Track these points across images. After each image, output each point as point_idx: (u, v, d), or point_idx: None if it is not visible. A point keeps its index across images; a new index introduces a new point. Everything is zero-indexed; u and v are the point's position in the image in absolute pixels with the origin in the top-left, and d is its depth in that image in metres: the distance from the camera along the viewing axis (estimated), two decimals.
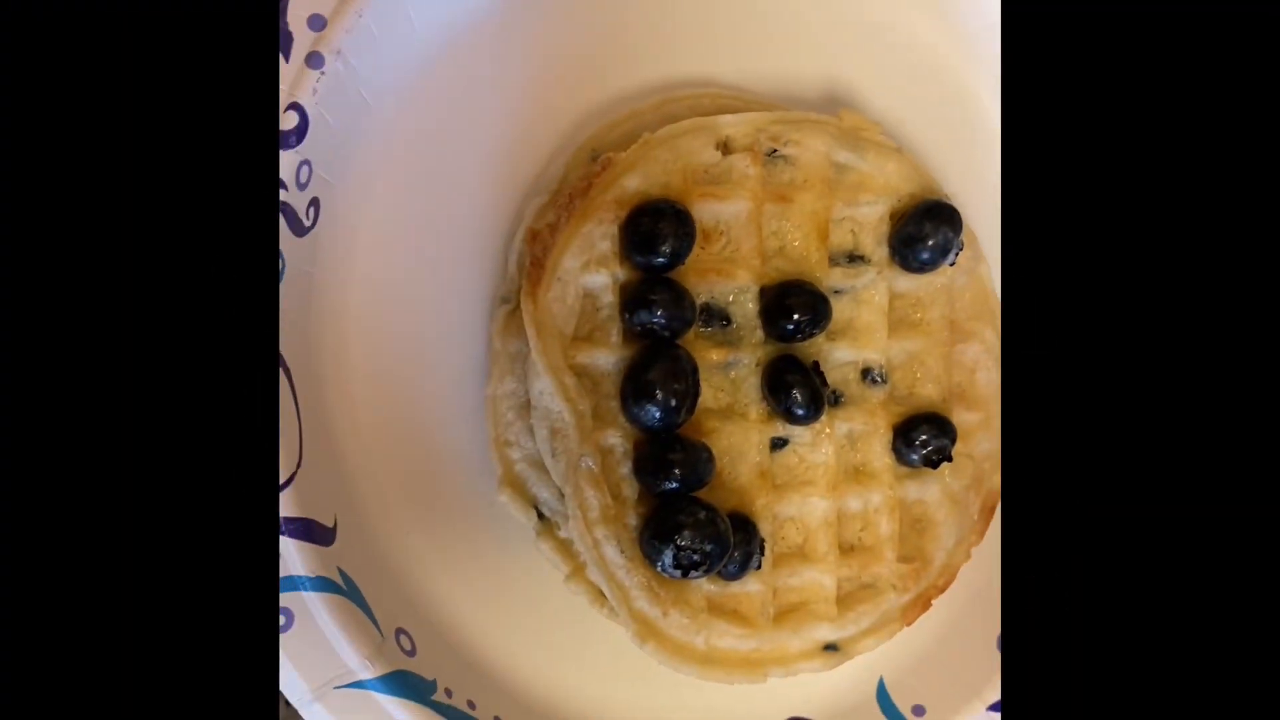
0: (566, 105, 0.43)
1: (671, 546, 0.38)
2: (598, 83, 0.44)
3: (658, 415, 0.39)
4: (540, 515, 0.42)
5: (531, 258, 0.39)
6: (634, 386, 0.39)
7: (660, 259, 0.39)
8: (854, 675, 0.48)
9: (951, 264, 0.44)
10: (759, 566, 0.42)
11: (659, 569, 0.39)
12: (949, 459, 0.44)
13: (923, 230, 0.43)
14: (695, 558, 0.38)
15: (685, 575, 0.39)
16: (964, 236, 0.44)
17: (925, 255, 0.43)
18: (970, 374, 0.46)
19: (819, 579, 0.44)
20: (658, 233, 0.39)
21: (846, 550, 0.44)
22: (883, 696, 0.49)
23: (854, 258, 0.44)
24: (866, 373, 0.44)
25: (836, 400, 0.44)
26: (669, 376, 0.39)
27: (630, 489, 0.40)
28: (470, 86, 0.42)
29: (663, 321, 0.39)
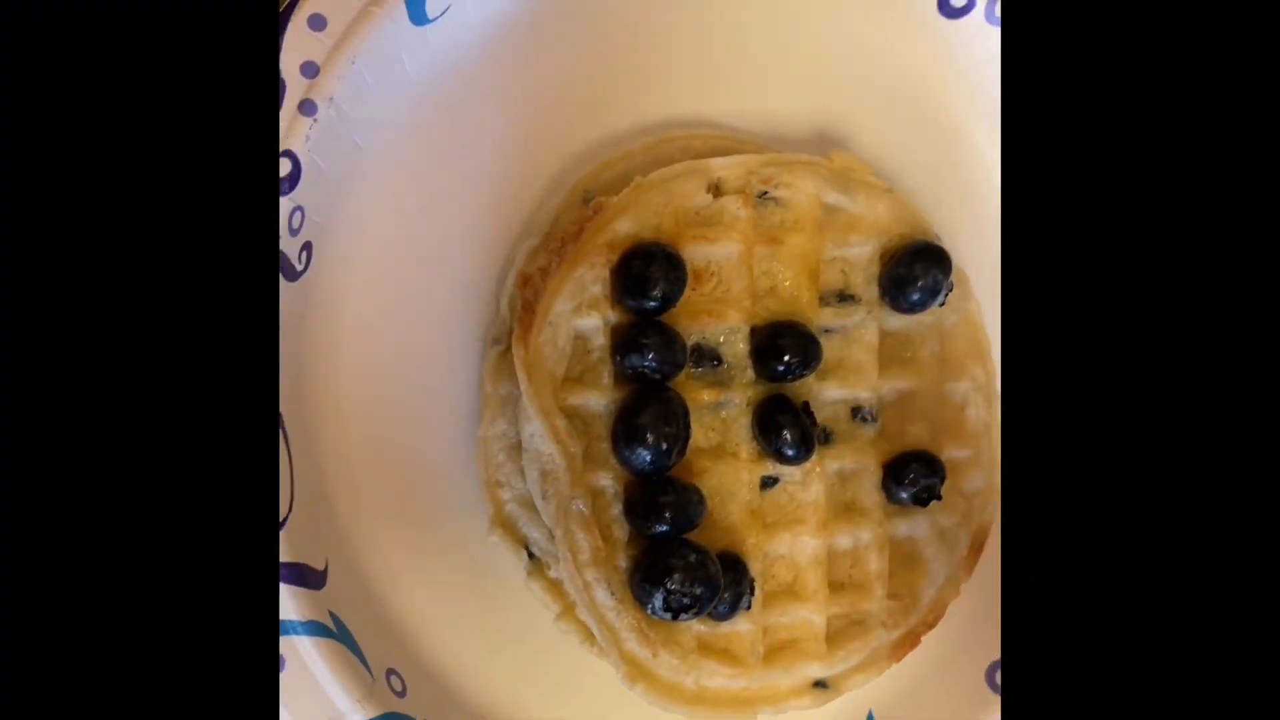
0: (558, 147, 0.44)
1: (662, 589, 0.38)
2: (589, 124, 0.44)
3: (648, 458, 0.39)
4: (531, 555, 0.42)
5: (523, 301, 0.39)
6: (625, 430, 0.39)
7: (651, 303, 0.40)
8: (843, 709, 0.48)
9: (941, 304, 0.44)
10: (749, 606, 0.42)
11: (649, 611, 0.39)
12: (938, 497, 0.44)
13: (913, 271, 0.43)
14: (685, 600, 0.39)
15: (676, 618, 0.39)
16: (954, 276, 0.45)
17: (915, 296, 0.43)
18: (960, 411, 0.47)
19: (809, 617, 0.44)
20: (649, 276, 0.39)
21: (836, 588, 0.45)
22: None
23: (844, 297, 0.44)
24: (856, 411, 0.45)
25: (827, 439, 0.44)
26: (660, 420, 0.39)
27: (621, 530, 0.40)
28: (462, 129, 0.43)
29: (654, 365, 0.40)
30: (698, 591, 0.39)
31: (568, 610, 0.42)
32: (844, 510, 0.44)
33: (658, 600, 0.39)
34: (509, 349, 0.41)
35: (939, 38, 0.48)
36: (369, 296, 0.42)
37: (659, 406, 0.39)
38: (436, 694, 0.42)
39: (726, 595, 0.41)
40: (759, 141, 0.45)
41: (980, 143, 0.50)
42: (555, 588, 0.42)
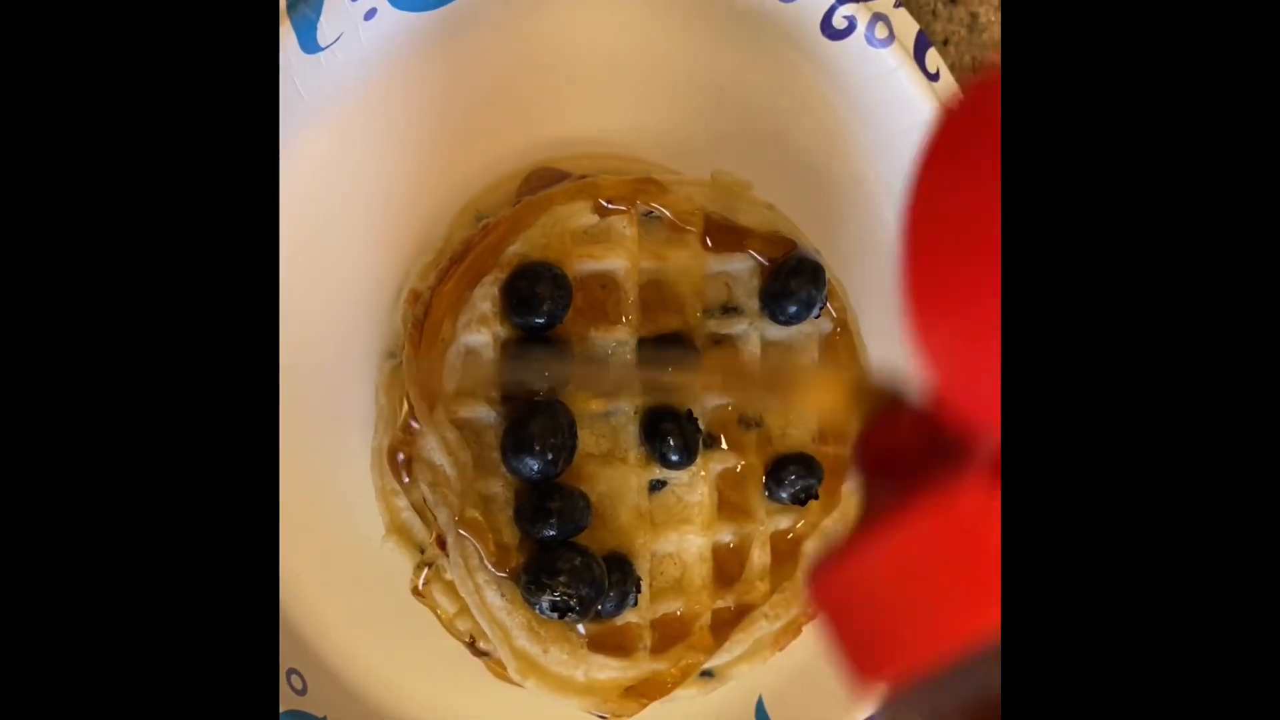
0: (451, 167, 0.45)
1: (548, 592, 0.41)
2: (481, 145, 0.46)
3: (536, 468, 0.41)
4: (427, 560, 0.44)
5: (413, 319, 0.41)
6: (513, 441, 0.41)
7: (538, 319, 0.42)
8: (733, 696, 0.51)
9: (817, 317, 0.47)
10: (635, 603, 0.44)
11: (537, 612, 0.42)
12: (815, 496, 0.47)
13: (789, 286, 0.45)
14: (571, 602, 0.41)
15: (562, 617, 0.41)
16: (831, 288, 0.47)
17: (792, 309, 0.46)
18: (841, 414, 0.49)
19: (695, 610, 0.47)
20: (535, 295, 0.41)
21: (722, 583, 0.47)
22: (761, 714, 0.52)
23: (728, 309, 0.47)
24: (742, 418, 0.47)
25: (712, 443, 0.46)
26: (546, 431, 0.41)
27: (511, 535, 0.42)
28: (356, 150, 0.44)
29: (540, 378, 0.42)
30: (583, 593, 0.41)
31: (463, 611, 0.44)
32: (729, 510, 0.47)
33: (545, 602, 0.41)
34: (401, 362, 0.43)
35: (821, 59, 0.51)
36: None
37: (546, 418, 0.41)
38: (337, 691, 0.44)
39: (612, 594, 0.43)
40: (646, 160, 0.47)
41: (860, 159, 0.53)
42: (451, 589, 0.44)
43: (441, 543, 0.42)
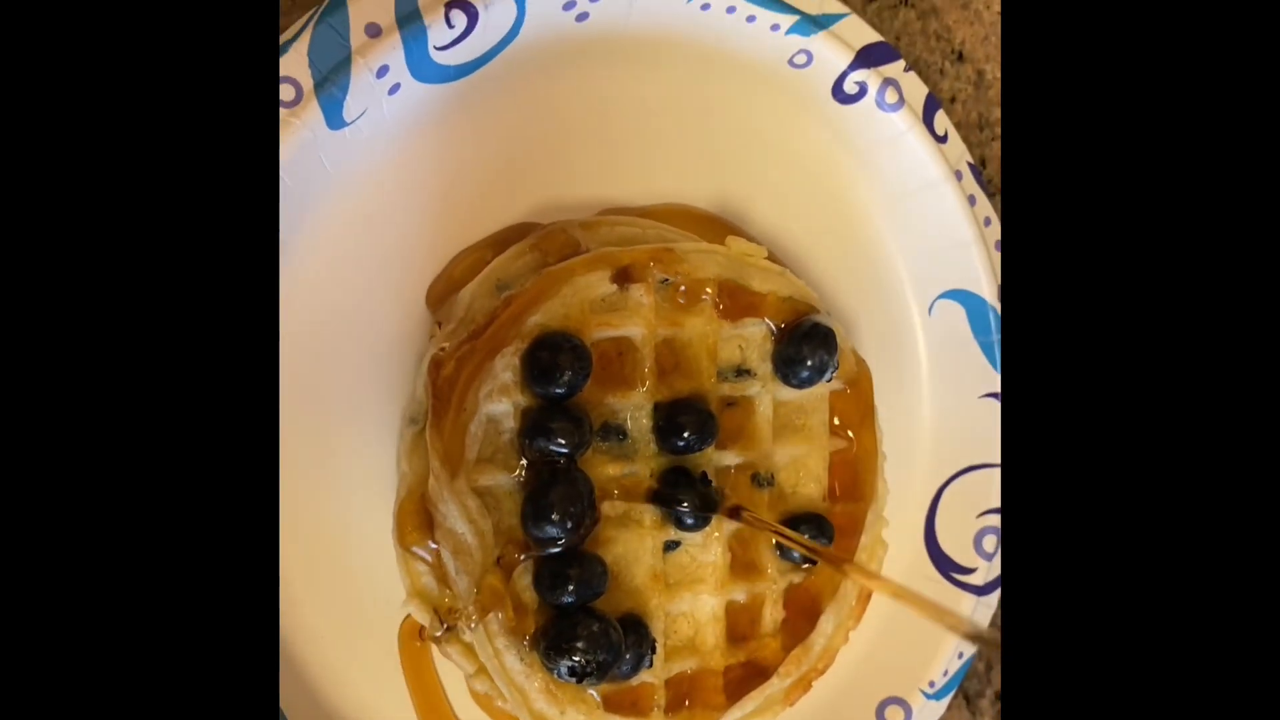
0: (472, 230, 0.46)
1: (567, 658, 0.41)
2: (501, 212, 0.47)
3: (556, 535, 0.42)
4: (445, 623, 0.45)
5: (434, 389, 0.42)
6: (533, 509, 0.42)
7: (558, 390, 0.42)
8: None
9: (828, 380, 0.48)
10: (650, 664, 0.45)
11: (556, 676, 0.42)
12: None
13: (801, 352, 0.46)
14: (589, 668, 0.42)
15: (580, 682, 0.42)
16: (843, 352, 0.48)
17: (804, 374, 0.47)
18: (853, 471, 0.50)
19: (708, 668, 0.47)
20: (556, 365, 0.42)
21: (734, 640, 0.48)
22: None
23: (741, 372, 0.47)
24: (755, 476, 0.48)
25: (734, 505, 0.47)
26: (565, 500, 0.42)
27: (530, 599, 0.43)
28: (380, 219, 0.45)
29: (561, 447, 0.42)
30: (600, 659, 0.42)
31: (480, 671, 0.45)
32: (742, 569, 0.48)
33: (563, 667, 0.42)
34: (424, 429, 0.43)
35: (832, 121, 0.52)
36: (289, 377, 0.44)
37: (565, 487, 0.42)
38: None
39: (628, 657, 0.44)
40: (662, 227, 0.48)
41: (871, 216, 0.54)
42: (469, 650, 0.45)
43: (454, 615, 0.42)
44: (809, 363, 0.46)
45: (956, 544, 0.56)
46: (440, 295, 0.45)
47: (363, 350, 0.45)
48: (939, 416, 0.56)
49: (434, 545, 0.43)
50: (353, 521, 0.45)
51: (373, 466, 0.46)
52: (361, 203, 0.44)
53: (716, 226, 0.50)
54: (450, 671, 0.47)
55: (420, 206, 0.45)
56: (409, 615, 0.46)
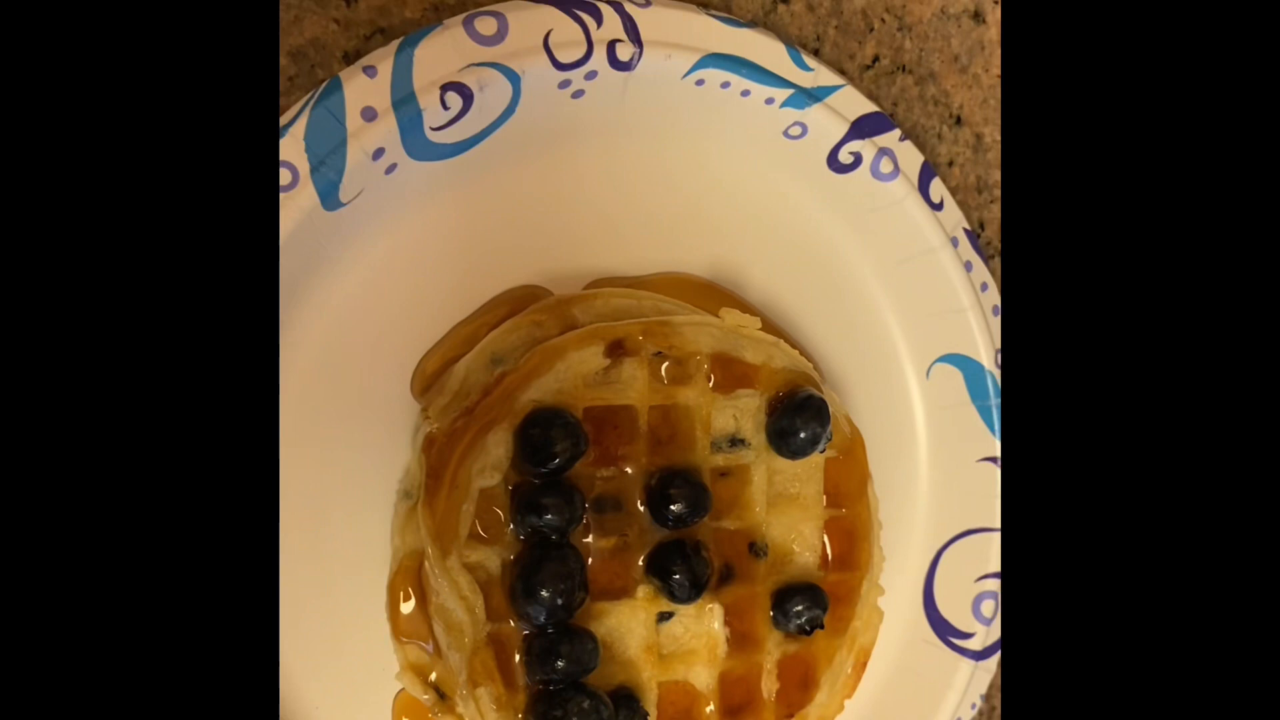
0: (466, 303, 0.47)
1: None
2: (498, 284, 0.47)
3: (545, 613, 0.42)
4: (440, 693, 0.45)
5: (428, 467, 0.42)
6: (523, 586, 0.42)
7: (550, 467, 0.43)
8: None
9: (821, 451, 0.48)
10: None
11: None
12: (821, 626, 0.48)
13: (794, 424, 0.46)
14: None
15: None
16: (836, 421, 0.48)
17: (797, 446, 0.47)
18: (848, 539, 0.50)
19: None
20: (548, 442, 0.42)
21: (730, 711, 0.48)
22: None
23: (735, 441, 0.48)
24: (751, 546, 0.48)
25: (729, 575, 0.47)
26: (556, 577, 0.42)
27: (521, 677, 0.43)
28: (375, 292, 0.45)
29: (552, 523, 0.43)
30: None
31: None
32: (737, 640, 0.48)
33: None
34: (417, 504, 0.44)
35: (827, 190, 0.52)
36: (290, 443, 0.44)
37: (555, 564, 0.42)
38: None
39: None
40: (657, 297, 0.49)
41: (867, 282, 0.54)
42: None
43: (442, 695, 0.43)
44: (802, 435, 0.47)
45: (955, 608, 0.56)
46: (433, 371, 0.46)
47: (358, 425, 0.46)
48: (936, 481, 0.56)
49: (425, 616, 0.43)
50: (346, 594, 0.46)
51: (367, 539, 0.46)
52: (356, 279, 0.45)
53: (712, 294, 0.51)
54: None
55: (416, 280, 0.46)
56: (403, 689, 0.46)
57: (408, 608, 0.44)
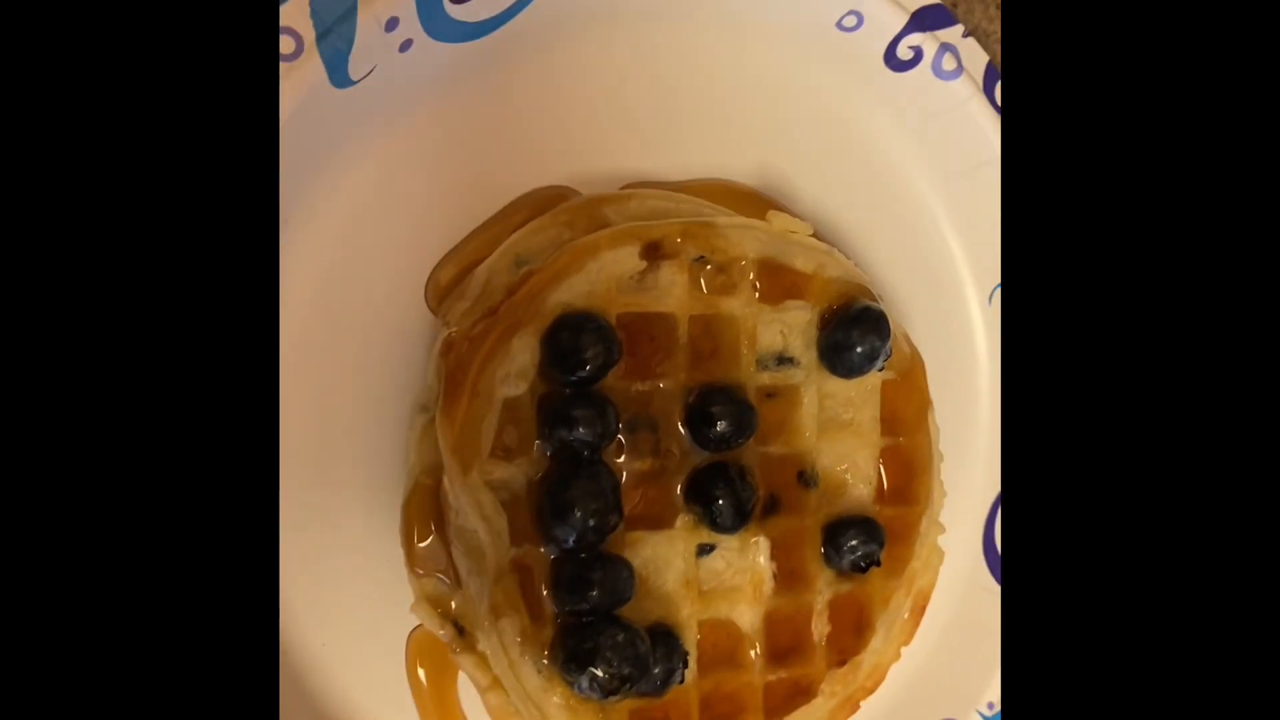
0: (490, 203, 0.43)
1: (588, 671, 0.38)
2: (523, 182, 0.43)
3: (575, 535, 0.38)
4: (459, 628, 0.41)
5: (446, 373, 0.38)
6: (551, 505, 0.38)
7: (581, 375, 0.39)
8: None
9: (880, 370, 0.43)
10: (682, 680, 0.41)
11: (576, 691, 0.38)
12: (878, 564, 0.44)
13: (850, 338, 0.42)
14: (613, 682, 0.38)
15: (604, 698, 0.38)
16: (895, 340, 0.44)
17: (853, 362, 0.43)
18: (906, 471, 0.46)
19: (747, 685, 0.43)
20: (578, 349, 0.38)
21: (776, 655, 0.44)
22: None
23: (783, 360, 0.43)
24: (800, 475, 0.44)
25: (775, 505, 0.43)
26: (587, 495, 0.38)
27: (549, 608, 0.39)
28: (390, 185, 0.42)
29: (583, 438, 0.39)
30: (625, 672, 0.38)
31: (496, 684, 0.41)
32: (785, 577, 0.44)
33: (584, 681, 0.38)
34: (435, 417, 0.40)
35: (884, 91, 0.47)
36: (295, 355, 0.41)
37: (587, 481, 0.38)
38: None
39: (657, 671, 0.40)
40: (697, 201, 0.44)
41: (926, 195, 0.50)
42: (483, 661, 0.41)
43: (461, 630, 0.39)
44: (859, 349, 0.42)
45: None
46: (449, 280, 0.42)
47: (371, 335, 0.42)
48: (1000, 415, 0.51)
49: (443, 543, 0.39)
50: (357, 520, 0.42)
51: (379, 462, 0.42)
52: (369, 172, 0.41)
53: (757, 203, 0.47)
54: (465, 688, 0.44)
55: (433, 177, 0.42)
56: (420, 625, 0.42)
57: (425, 535, 0.40)
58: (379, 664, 0.43)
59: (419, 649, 0.43)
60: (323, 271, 0.41)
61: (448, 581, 0.41)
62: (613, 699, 0.38)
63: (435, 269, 0.42)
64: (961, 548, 0.51)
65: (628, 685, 0.38)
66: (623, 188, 0.45)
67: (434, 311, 0.42)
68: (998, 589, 0.51)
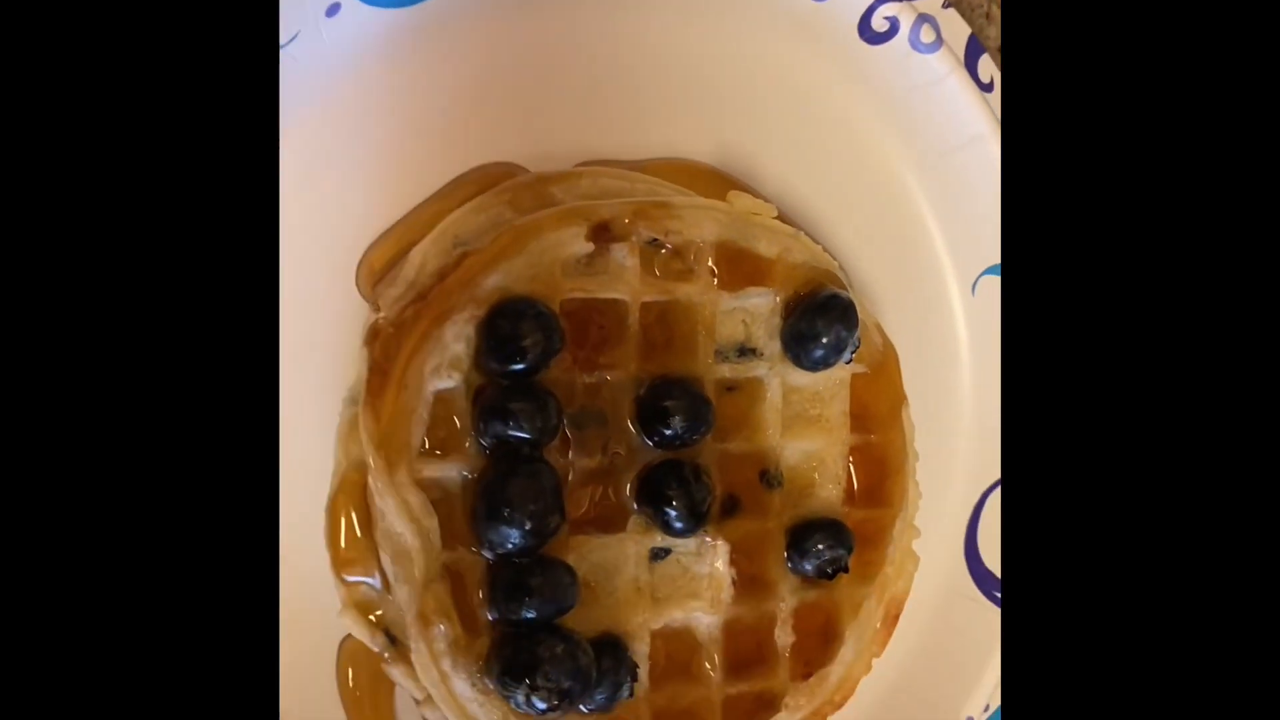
0: (424, 183, 0.40)
1: (524, 685, 0.35)
2: (465, 160, 0.40)
3: (513, 538, 0.35)
4: (391, 636, 0.38)
5: (372, 363, 0.36)
6: (486, 506, 0.35)
7: (519, 364, 0.36)
8: None
9: (847, 362, 0.41)
10: (630, 694, 0.38)
11: (514, 706, 0.36)
12: (845, 569, 0.41)
13: (814, 327, 0.39)
14: (552, 698, 0.35)
15: (542, 715, 0.35)
16: (865, 328, 0.41)
17: (818, 353, 0.40)
18: (878, 471, 0.43)
19: (704, 699, 0.40)
20: (517, 335, 0.36)
21: (735, 666, 0.41)
22: None
23: (745, 351, 0.41)
24: (763, 474, 0.41)
25: (734, 507, 0.40)
26: (526, 496, 0.35)
27: (484, 615, 0.36)
28: (316, 169, 0.39)
29: (522, 434, 0.36)
30: (565, 686, 0.35)
31: (430, 699, 0.38)
32: (745, 583, 0.41)
33: (520, 695, 0.35)
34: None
35: (857, 65, 0.45)
36: None
37: (525, 480, 0.35)
38: None
39: (602, 684, 0.37)
40: (654, 181, 0.42)
41: (903, 177, 0.47)
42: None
43: (393, 639, 0.36)
44: (824, 340, 0.39)
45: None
46: (382, 264, 0.39)
47: (298, 322, 0.39)
48: (983, 412, 0.49)
49: (372, 545, 0.37)
50: (283, 520, 0.39)
51: (304, 459, 0.39)
52: (296, 147, 0.38)
53: (719, 184, 0.44)
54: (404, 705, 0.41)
55: (365, 154, 0.39)
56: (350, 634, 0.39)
57: (351, 536, 0.37)
58: (308, 675, 0.40)
59: (351, 659, 0.40)
60: None
61: (378, 587, 0.38)
62: (553, 716, 0.35)
63: (367, 251, 0.40)
64: (940, 554, 0.48)
65: (568, 700, 0.35)
66: (575, 166, 0.42)
67: (366, 297, 0.40)
68: (980, 597, 0.48)
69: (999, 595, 0.48)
